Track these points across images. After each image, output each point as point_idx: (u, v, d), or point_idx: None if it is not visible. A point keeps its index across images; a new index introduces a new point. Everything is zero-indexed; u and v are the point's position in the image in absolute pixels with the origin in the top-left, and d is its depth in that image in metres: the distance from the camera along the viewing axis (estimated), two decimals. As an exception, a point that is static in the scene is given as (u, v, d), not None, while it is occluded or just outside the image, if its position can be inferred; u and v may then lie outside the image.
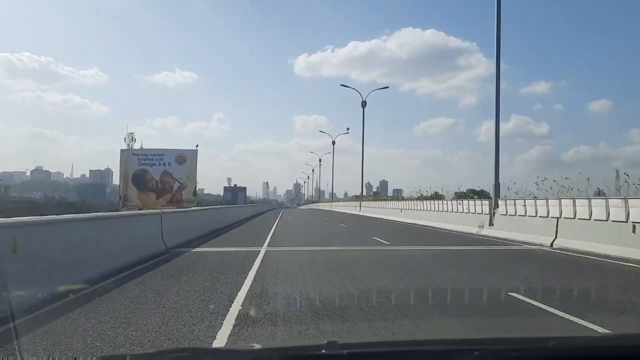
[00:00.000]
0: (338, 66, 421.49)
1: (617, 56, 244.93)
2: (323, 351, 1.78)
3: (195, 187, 48.17)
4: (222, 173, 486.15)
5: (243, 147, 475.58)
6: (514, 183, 26.84)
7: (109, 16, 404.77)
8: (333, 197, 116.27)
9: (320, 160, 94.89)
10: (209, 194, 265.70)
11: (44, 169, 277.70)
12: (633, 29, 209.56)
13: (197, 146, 48.71)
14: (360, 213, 44.84)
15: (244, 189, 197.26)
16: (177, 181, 47.13)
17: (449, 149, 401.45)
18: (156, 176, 46.86)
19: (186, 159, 47.19)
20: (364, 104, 45.15)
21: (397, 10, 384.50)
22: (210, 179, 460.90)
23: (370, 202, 47.88)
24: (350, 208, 53.23)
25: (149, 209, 42.53)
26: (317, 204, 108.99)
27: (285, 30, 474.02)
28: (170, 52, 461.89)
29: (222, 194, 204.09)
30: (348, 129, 73.11)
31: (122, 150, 46.91)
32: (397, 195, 48.71)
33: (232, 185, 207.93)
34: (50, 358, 4.03)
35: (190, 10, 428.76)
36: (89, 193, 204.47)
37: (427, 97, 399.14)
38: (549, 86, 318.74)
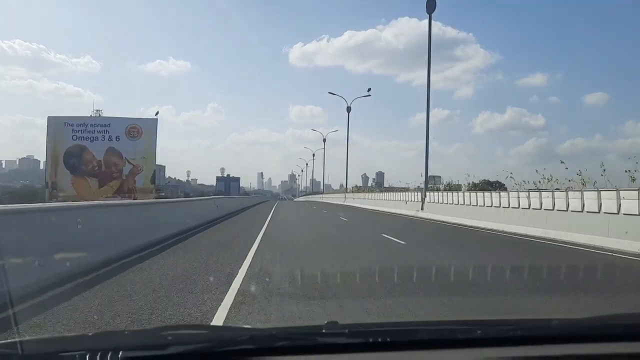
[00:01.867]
0: (333, 56, 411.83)
1: (614, 49, 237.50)
2: (324, 330, 1.80)
3: (155, 170, 35.03)
4: (217, 163, 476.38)
5: (238, 137, 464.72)
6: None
7: (101, 3, 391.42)
8: (334, 188, 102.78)
9: (327, 146, 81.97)
10: (202, 184, 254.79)
11: (33, 158, 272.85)
12: (630, 21, 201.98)
13: (157, 114, 35.50)
14: (430, 216, 24.36)
15: (238, 179, 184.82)
16: (129, 162, 34.06)
17: (444, 141, 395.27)
18: (99, 155, 33.87)
19: (141, 131, 34.04)
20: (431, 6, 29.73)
21: None
22: (204, 170, 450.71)
23: (438, 194, 26.11)
24: (395, 205, 31.84)
25: (87, 201, 29.85)
26: (321, 195, 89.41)
27: (280, 19, 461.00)
28: (164, 40, 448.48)
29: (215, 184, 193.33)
30: (369, 90, 56.72)
31: (49, 118, 33.68)
32: (436, 183, 35.09)
33: (226, 175, 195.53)
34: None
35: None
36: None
37: (423, 88, 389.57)
38: (546, 78, 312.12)
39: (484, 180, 30.33)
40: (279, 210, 34.23)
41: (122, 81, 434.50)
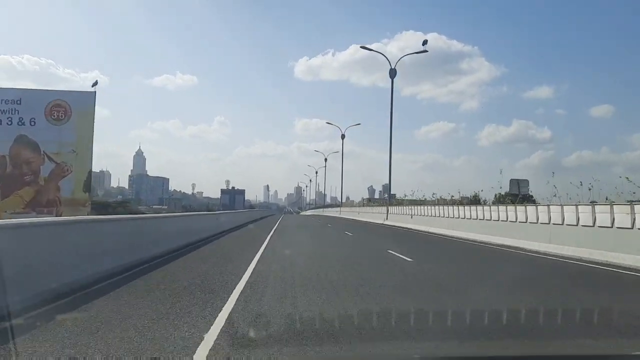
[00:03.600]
0: (339, 70, 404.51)
1: (620, 61, 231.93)
2: None
3: (91, 172, 22.92)
4: (223, 176, 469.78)
5: (244, 150, 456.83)
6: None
7: (109, 19, 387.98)
8: (341, 201, 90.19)
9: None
10: (208, 197, 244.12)
11: None
12: (636, 33, 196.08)
13: (94, 85, 23.45)
14: None
15: (242, 191, 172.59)
16: (50, 159, 22.09)
17: (449, 154, 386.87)
18: (2, 148, 22.06)
19: (70, 111, 21.97)
20: None
21: (398, 13, 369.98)
22: (211, 182, 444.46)
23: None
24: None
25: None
26: (339, 209, 67.80)
27: (285, 33, 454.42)
28: (171, 55, 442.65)
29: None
30: (425, 42, 39.24)
31: None
32: (522, 189, 22.41)
33: (231, 187, 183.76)
34: None
35: (191, 14, 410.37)
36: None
37: (428, 101, 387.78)
38: (552, 90, 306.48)
39: (508, 192, 25.68)
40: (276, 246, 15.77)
41: (129, 95, 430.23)
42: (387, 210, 36.14)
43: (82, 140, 22.04)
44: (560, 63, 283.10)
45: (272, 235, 20.52)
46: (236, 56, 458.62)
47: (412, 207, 29.64)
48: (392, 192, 44.03)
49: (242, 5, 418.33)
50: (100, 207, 68.18)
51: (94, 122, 22.27)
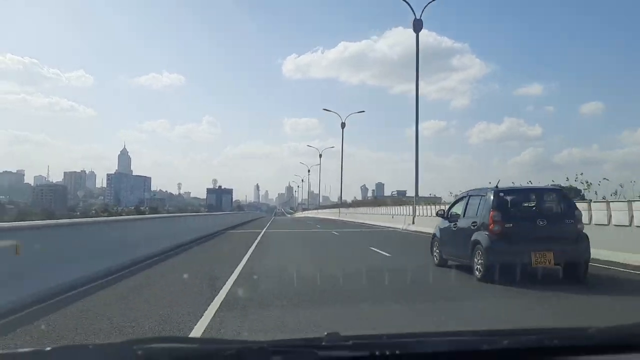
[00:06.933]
0: (327, 67, 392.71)
1: (610, 58, 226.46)
2: (323, 343, 1.55)
3: None
4: (212, 176, 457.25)
5: (233, 151, 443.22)
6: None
7: (93, 17, 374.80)
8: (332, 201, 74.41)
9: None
10: (195, 197, 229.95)
11: (14, 172, 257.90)
12: (626, 31, 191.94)
13: None
14: None
15: (230, 191, 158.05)
16: None
17: (441, 152, 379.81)
18: None
19: None
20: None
21: (388, 9, 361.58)
22: (199, 183, 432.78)
23: None
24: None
25: None
26: (370, 210, 43.33)
27: (273, 30, 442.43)
28: (157, 54, 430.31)
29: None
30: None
31: None
32: None
33: (218, 187, 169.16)
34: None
35: (176, 12, 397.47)
36: (46, 197, 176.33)
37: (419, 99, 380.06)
38: (542, 87, 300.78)
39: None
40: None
41: (115, 95, 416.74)
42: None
43: None
44: (551, 59, 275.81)
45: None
46: (224, 54, 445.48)
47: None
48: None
49: (229, 3, 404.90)
50: None
51: None
